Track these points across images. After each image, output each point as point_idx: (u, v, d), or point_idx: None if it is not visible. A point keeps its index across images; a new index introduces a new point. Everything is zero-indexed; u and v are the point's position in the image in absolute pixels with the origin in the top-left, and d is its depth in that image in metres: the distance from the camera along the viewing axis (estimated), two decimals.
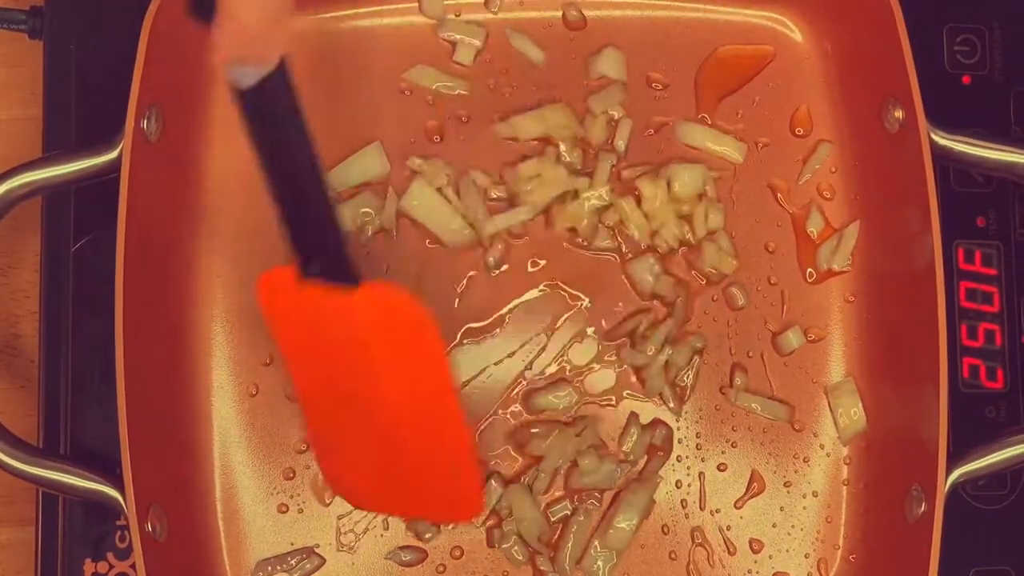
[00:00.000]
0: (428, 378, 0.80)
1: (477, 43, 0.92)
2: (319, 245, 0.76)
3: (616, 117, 0.91)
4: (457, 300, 0.90)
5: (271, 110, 0.71)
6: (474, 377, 0.90)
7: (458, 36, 0.92)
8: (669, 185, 0.90)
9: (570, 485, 0.88)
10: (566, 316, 0.90)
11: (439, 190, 0.90)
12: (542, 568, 0.88)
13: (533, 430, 0.88)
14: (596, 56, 0.92)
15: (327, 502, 0.88)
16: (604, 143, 0.91)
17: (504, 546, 0.88)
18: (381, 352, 0.78)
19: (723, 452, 0.89)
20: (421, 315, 0.77)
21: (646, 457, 0.89)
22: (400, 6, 0.92)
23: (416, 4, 0.92)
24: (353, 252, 0.77)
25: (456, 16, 0.92)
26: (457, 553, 0.88)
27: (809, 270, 0.91)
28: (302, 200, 0.74)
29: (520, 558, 0.88)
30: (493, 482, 0.88)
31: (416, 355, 0.79)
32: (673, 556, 0.89)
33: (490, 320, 0.90)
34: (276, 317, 0.79)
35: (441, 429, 0.81)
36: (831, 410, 0.89)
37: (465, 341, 0.90)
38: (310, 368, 0.81)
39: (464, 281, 0.90)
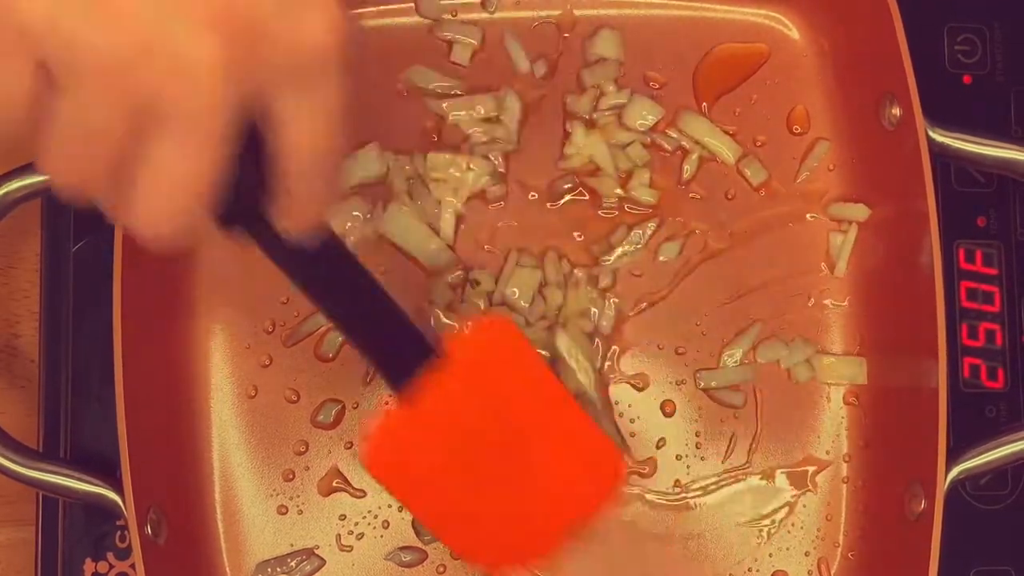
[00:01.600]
0: (548, 394, 0.77)
1: (474, 42, 0.92)
2: (399, 351, 0.73)
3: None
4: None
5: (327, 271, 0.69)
6: None
7: (454, 36, 0.92)
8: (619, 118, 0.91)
9: None
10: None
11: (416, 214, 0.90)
12: None
13: None
14: (592, 38, 0.92)
15: (327, 495, 0.88)
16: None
17: None
18: (506, 394, 0.76)
19: (722, 450, 0.89)
20: (512, 336, 0.76)
21: None
22: (397, 6, 0.92)
23: (412, 4, 0.92)
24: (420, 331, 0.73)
25: (453, 16, 0.92)
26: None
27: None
28: (377, 328, 0.72)
29: None
30: None
31: (530, 380, 0.77)
32: (673, 556, 0.89)
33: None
34: (391, 471, 0.76)
35: (567, 431, 0.78)
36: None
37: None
38: (440, 487, 0.77)
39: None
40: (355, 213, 0.90)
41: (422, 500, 0.77)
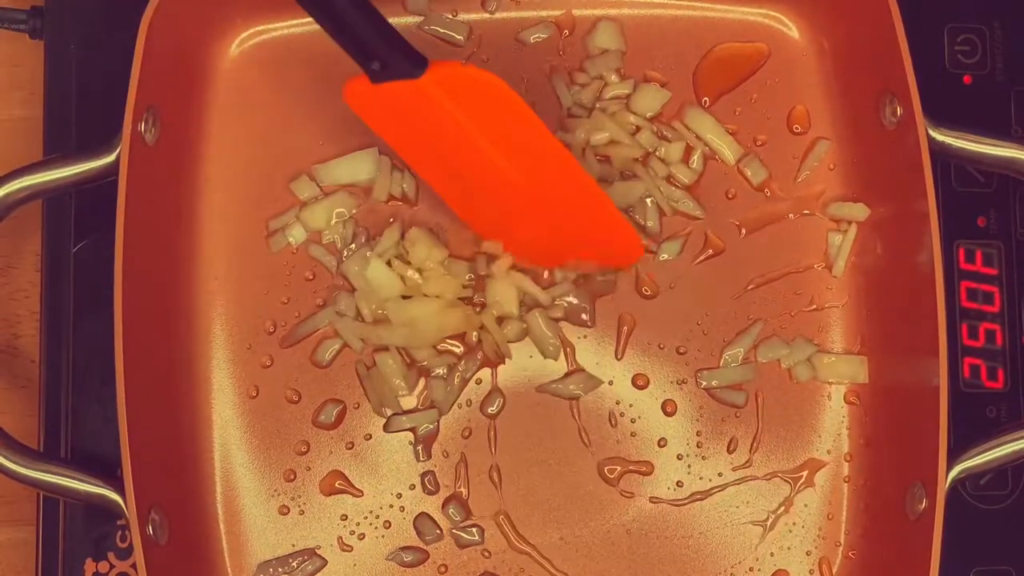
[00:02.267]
0: (533, 145, 0.84)
1: (459, 38, 0.92)
2: (372, 44, 0.79)
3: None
4: None
5: None
6: None
7: (442, 31, 0.92)
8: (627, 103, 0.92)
9: None
10: None
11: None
12: None
13: None
14: (592, 33, 0.92)
15: (329, 495, 0.89)
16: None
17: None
18: (476, 127, 0.82)
19: (723, 450, 0.89)
20: (497, 86, 0.81)
21: None
22: (389, 7, 0.92)
23: (402, 4, 0.92)
24: (406, 41, 0.80)
25: (453, 15, 0.92)
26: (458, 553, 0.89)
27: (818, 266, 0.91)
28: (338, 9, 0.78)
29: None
30: None
31: (510, 124, 0.83)
32: (674, 556, 0.89)
33: None
34: (372, 118, 0.85)
35: (570, 190, 0.85)
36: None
37: None
38: (424, 154, 0.86)
39: None
40: (339, 210, 0.90)
41: (404, 145, 0.86)
